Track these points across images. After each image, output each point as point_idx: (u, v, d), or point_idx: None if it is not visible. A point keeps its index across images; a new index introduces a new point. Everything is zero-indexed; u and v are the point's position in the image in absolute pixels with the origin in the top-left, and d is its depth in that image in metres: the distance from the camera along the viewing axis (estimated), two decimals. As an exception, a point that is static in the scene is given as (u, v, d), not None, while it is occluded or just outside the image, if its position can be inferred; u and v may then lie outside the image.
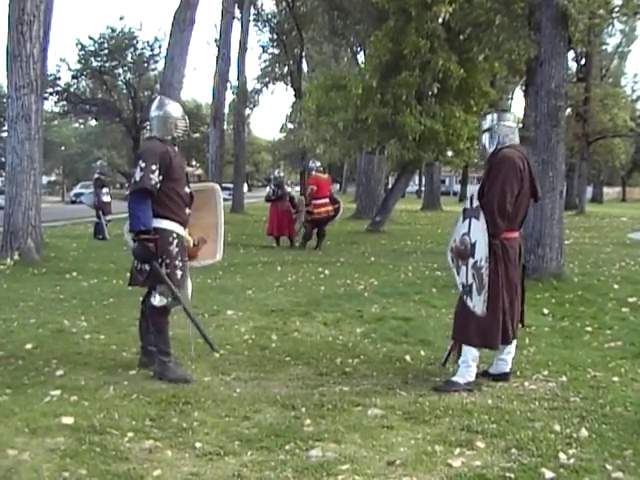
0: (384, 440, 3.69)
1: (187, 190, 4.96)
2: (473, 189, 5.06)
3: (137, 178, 4.69)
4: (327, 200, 14.26)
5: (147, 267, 4.74)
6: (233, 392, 4.50)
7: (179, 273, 4.82)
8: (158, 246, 4.70)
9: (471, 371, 4.65)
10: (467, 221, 4.65)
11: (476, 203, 4.57)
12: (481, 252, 4.49)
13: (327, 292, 8.53)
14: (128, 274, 5.09)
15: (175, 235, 4.80)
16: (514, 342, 4.82)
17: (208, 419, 3.98)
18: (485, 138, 4.84)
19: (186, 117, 5.05)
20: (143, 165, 4.67)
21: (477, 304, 4.53)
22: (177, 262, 4.80)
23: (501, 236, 4.57)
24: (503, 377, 4.82)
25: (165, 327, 4.88)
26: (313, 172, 14.54)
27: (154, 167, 4.67)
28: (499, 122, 4.80)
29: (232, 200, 29.86)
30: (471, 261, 4.56)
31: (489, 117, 4.91)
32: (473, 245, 4.55)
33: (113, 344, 5.76)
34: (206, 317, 6.90)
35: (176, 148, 4.99)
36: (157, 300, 4.80)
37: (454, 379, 4.64)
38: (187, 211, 4.94)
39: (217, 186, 5.62)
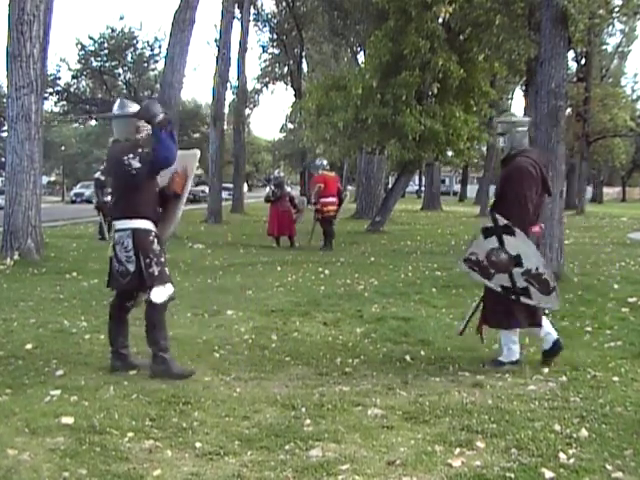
0: (384, 440, 3.69)
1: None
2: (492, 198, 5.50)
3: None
4: (335, 199, 14.31)
5: (131, 268, 4.81)
6: (233, 392, 4.50)
7: (167, 269, 4.93)
8: (141, 247, 4.79)
9: (514, 351, 5.15)
10: (493, 238, 4.98)
11: (503, 222, 4.91)
12: (533, 261, 4.92)
13: (327, 292, 8.53)
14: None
15: (154, 234, 4.89)
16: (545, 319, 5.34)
17: (208, 419, 3.98)
18: (501, 141, 5.32)
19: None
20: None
21: (551, 301, 5.08)
22: (162, 259, 4.89)
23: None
24: (557, 346, 5.22)
25: (164, 323, 4.94)
26: (320, 170, 14.56)
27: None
28: (513, 128, 5.26)
29: (232, 200, 29.85)
30: (519, 270, 4.96)
31: (504, 123, 5.36)
32: (516, 257, 4.93)
33: (113, 344, 5.74)
34: (206, 317, 6.91)
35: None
36: (158, 297, 4.81)
37: (500, 359, 5.16)
38: (159, 210, 5.02)
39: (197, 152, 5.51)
